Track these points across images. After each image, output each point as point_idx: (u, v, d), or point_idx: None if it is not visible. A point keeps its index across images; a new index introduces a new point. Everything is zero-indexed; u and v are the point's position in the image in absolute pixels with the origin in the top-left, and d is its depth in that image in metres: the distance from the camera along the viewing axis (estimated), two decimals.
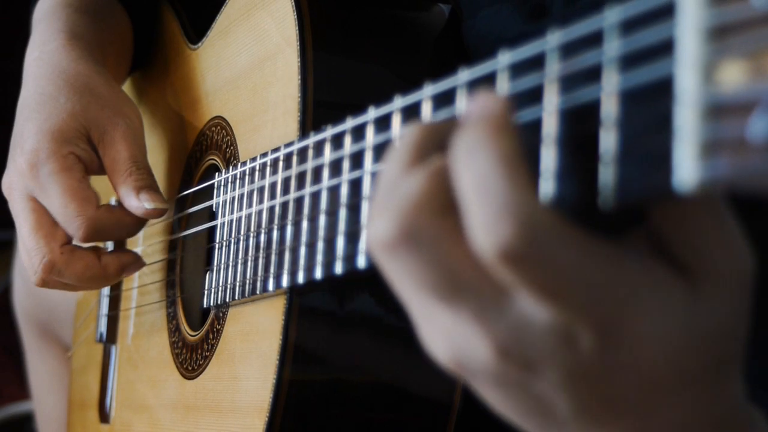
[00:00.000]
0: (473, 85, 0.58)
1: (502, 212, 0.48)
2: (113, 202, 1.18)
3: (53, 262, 0.99)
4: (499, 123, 0.50)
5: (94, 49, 1.07)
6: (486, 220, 0.48)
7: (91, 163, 1.01)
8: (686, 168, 0.43)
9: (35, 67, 1.06)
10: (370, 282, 0.84)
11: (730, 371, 0.52)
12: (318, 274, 0.75)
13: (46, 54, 1.05)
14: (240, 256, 0.90)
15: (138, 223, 1.00)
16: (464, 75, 0.59)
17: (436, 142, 0.54)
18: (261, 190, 0.87)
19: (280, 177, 0.83)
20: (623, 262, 0.49)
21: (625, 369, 0.50)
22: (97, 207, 0.97)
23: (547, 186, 0.51)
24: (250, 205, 0.89)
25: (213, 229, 0.98)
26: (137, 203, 0.99)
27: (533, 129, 0.53)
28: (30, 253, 1.00)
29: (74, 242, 1.00)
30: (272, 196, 0.84)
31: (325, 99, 0.86)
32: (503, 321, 0.51)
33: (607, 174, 0.48)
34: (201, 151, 1.05)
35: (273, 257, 0.83)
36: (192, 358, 1.00)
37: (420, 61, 0.91)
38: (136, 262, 1.04)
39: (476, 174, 0.49)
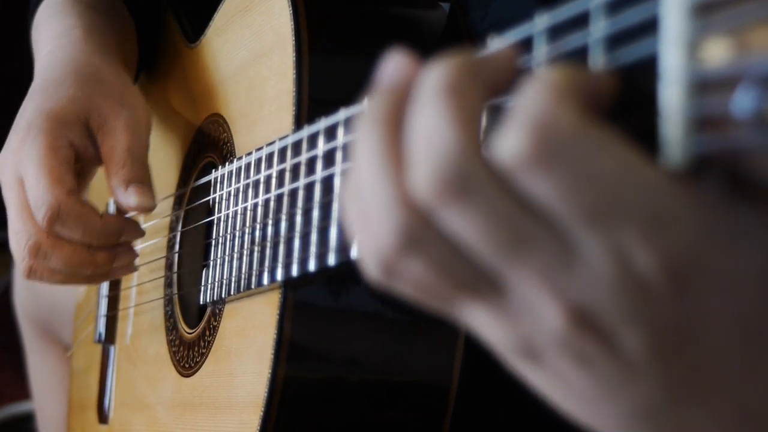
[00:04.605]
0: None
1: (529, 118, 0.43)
2: (112, 205, 1.18)
3: (39, 244, 0.95)
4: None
5: (110, 46, 1.06)
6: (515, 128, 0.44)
7: (84, 151, 0.98)
8: (674, 145, 0.43)
9: (46, 62, 1.04)
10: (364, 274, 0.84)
11: None
12: (311, 266, 0.75)
13: (59, 47, 1.04)
14: (236, 251, 0.90)
15: (104, 228, 0.96)
16: None
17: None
18: (256, 184, 0.87)
19: (274, 171, 0.83)
20: (698, 201, 0.44)
21: (711, 318, 0.45)
22: (68, 193, 0.93)
23: None
24: (245, 200, 0.89)
25: (210, 225, 0.98)
26: (124, 196, 0.96)
27: None
28: (17, 235, 0.96)
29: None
30: (267, 190, 0.84)
31: (320, 94, 0.86)
32: (571, 276, 0.45)
33: None
34: (199, 149, 1.05)
35: (267, 251, 0.83)
36: (189, 355, 1.00)
37: (418, 56, 0.91)
38: (128, 252, 0.99)
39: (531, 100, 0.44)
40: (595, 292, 0.45)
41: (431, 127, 0.46)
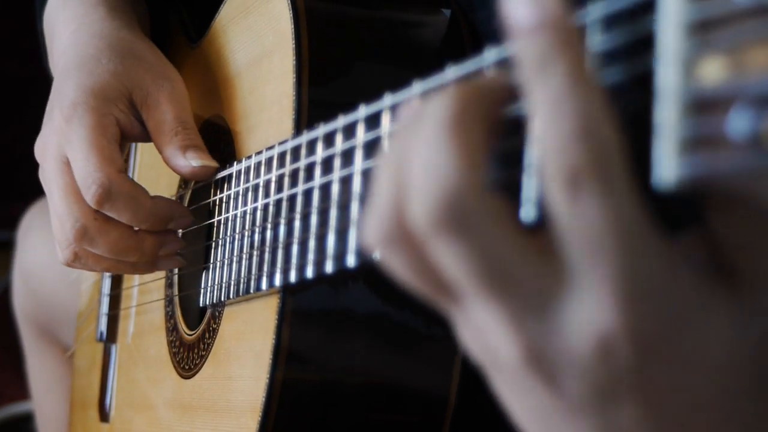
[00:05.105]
0: (461, 81, 0.57)
1: (577, 133, 0.44)
2: None
3: (86, 228, 0.92)
4: (571, 27, 0.45)
5: (134, 22, 1.05)
6: (559, 143, 0.44)
7: (131, 127, 0.96)
8: (666, 165, 0.43)
9: (74, 38, 1.01)
10: (363, 281, 0.84)
11: None
12: (309, 272, 0.74)
13: (85, 25, 1.02)
14: (235, 255, 0.90)
15: (154, 209, 0.93)
16: (452, 72, 0.58)
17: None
18: (255, 188, 0.87)
19: (273, 175, 0.83)
20: (680, 272, 0.45)
21: (666, 391, 0.45)
22: (118, 170, 0.91)
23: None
24: (245, 204, 0.89)
25: (211, 227, 0.98)
26: (184, 162, 0.93)
27: (520, 128, 0.52)
28: (61, 218, 0.93)
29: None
30: (266, 195, 0.84)
31: (320, 97, 0.86)
32: (542, 326, 0.46)
33: None
34: None
35: (267, 255, 0.83)
36: (189, 357, 1.00)
37: (417, 61, 0.91)
38: (175, 241, 0.96)
39: (552, 90, 0.44)
40: (557, 345, 0.46)
41: (431, 158, 0.47)
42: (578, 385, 0.46)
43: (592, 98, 0.44)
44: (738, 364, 0.46)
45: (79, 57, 0.98)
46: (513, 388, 0.49)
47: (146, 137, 0.98)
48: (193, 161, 0.93)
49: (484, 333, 0.48)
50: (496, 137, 0.49)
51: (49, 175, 0.95)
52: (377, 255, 0.51)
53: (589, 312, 0.45)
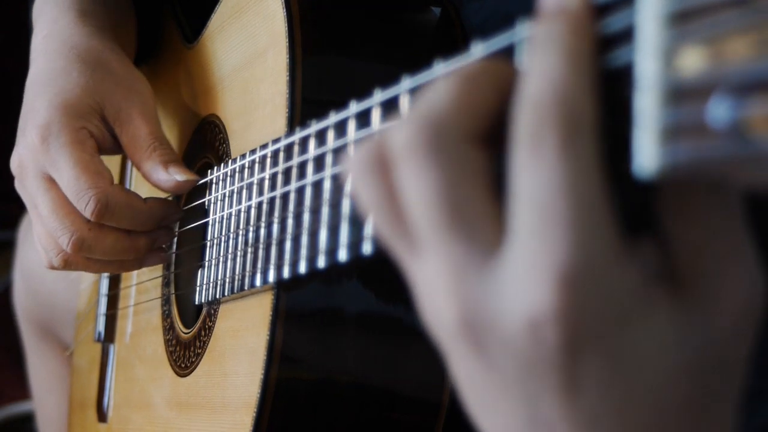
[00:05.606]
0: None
1: (555, 98, 0.45)
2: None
3: (83, 239, 0.95)
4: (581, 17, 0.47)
5: (105, 28, 1.06)
6: (536, 100, 0.45)
7: (104, 140, 0.98)
8: (646, 154, 0.43)
9: (44, 44, 1.03)
10: (358, 279, 0.84)
11: (715, 410, 0.46)
12: (302, 268, 0.75)
13: (55, 31, 1.03)
14: (230, 253, 0.90)
15: (150, 213, 0.97)
16: (440, 68, 0.59)
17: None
18: (249, 186, 0.87)
19: (267, 174, 0.83)
20: (628, 268, 0.44)
21: (592, 387, 0.44)
22: (110, 182, 0.94)
23: None
24: (239, 202, 0.89)
25: (206, 226, 0.98)
26: (167, 176, 0.96)
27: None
28: (55, 233, 0.95)
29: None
30: (260, 193, 0.85)
31: (314, 96, 0.86)
32: (479, 287, 0.46)
33: None
34: (196, 150, 1.06)
35: (260, 252, 0.83)
36: (185, 355, 1.00)
37: (410, 59, 0.91)
38: (167, 234, 1.00)
39: (547, 64, 0.45)
40: (490, 313, 0.45)
41: (437, 93, 0.48)
42: (505, 360, 0.45)
43: (581, 79, 0.45)
44: (676, 376, 0.45)
45: (49, 70, 1.00)
46: (452, 356, 0.48)
47: (119, 150, 1.00)
48: (177, 175, 0.96)
49: (432, 290, 0.47)
50: (499, 114, 0.49)
51: (32, 191, 0.97)
52: (350, 181, 0.51)
53: (524, 285, 0.44)
